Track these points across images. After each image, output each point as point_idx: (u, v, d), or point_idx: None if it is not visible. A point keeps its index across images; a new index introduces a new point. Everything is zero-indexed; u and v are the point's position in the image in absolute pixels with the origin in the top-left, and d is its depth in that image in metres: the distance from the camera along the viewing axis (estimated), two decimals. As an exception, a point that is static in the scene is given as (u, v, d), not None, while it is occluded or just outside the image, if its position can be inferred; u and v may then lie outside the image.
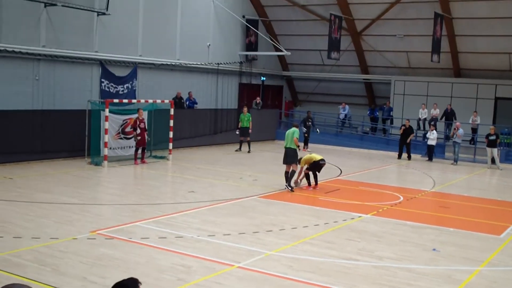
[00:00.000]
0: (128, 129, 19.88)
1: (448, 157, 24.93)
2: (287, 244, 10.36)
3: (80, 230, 10.62)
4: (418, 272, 9.12)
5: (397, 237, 11.36)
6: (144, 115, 19.85)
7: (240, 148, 24.66)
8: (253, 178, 17.72)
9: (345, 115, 30.99)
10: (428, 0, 26.76)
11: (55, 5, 19.76)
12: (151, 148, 20.99)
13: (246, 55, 30.61)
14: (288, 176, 15.75)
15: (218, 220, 12.00)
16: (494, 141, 23.24)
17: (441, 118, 27.56)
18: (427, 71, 29.86)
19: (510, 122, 26.96)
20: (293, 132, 15.91)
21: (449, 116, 27.38)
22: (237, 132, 24.89)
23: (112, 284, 3.78)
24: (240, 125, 24.70)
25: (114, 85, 21.93)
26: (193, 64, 26.76)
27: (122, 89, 22.28)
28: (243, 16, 30.00)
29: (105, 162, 18.38)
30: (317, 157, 16.25)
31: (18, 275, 7.95)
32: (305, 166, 16.30)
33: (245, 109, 24.99)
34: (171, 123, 20.80)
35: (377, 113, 30.84)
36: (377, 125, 30.74)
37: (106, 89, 21.64)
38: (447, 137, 26.29)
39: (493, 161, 23.42)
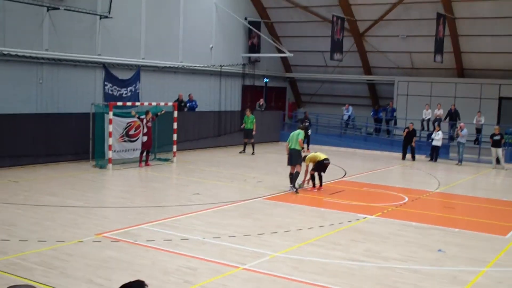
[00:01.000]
0: (132, 131, 19.90)
1: (452, 158, 24.88)
2: (292, 246, 10.36)
3: (86, 233, 10.64)
4: (424, 273, 9.11)
5: (403, 238, 11.35)
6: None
7: (244, 150, 24.68)
8: (257, 180, 17.72)
9: (349, 116, 30.98)
10: (431, 0, 26.75)
11: (58, 9, 19.84)
12: (156, 151, 21.02)
13: (249, 57, 30.64)
14: (293, 178, 15.75)
15: (223, 222, 12.01)
16: (498, 141, 23.20)
17: (445, 119, 27.52)
18: (430, 72, 29.83)
19: (515, 122, 26.93)
20: (298, 134, 15.93)
21: (453, 116, 27.35)
22: (242, 127, 24.80)
23: (118, 287, 3.78)
24: (244, 126, 24.73)
25: (117, 88, 21.94)
26: (196, 66, 26.80)
27: (126, 92, 22.28)
28: (245, 18, 30.04)
29: (110, 165, 18.40)
30: (321, 156, 16.25)
31: (25, 278, 7.97)
32: (310, 165, 16.29)
33: (249, 111, 25.01)
34: (175, 125, 20.82)
35: (381, 114, 30.81)
36: (381, 126, 30.72)
37: (110, 92, 21.65)
38: (451, 138, 26.26)
39: (498, 161, 23.38)
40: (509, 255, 10.51)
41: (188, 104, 25.83)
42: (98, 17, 21.62)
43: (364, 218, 12.95)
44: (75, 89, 21.12)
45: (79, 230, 10.87)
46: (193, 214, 12.65)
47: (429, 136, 26.33)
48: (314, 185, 16.30)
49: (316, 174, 16.29)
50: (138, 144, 19.79)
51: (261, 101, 29.72)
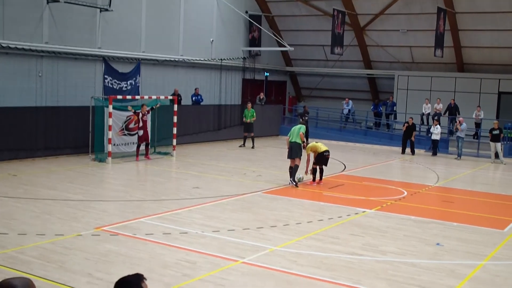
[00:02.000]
0: (132, 125, 19.90)
1: (451, 152, 24.90)
2: (291, 240, 10.38)
3: (85, 226, 10.66)
4: (422, 267, 9.14)
5: (401, 232, 11.37)
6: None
7: (244, 144, 24.69)
8: (257, 173, 17.74)
9: (349, 111, 30.97)
10: (431, -6, 26.72)
11: (57, 1, 19.78)
12: (155, 144, 21.03)
13: (249, 51, 30.59)
14: (293, 171, 15.77)
15: (223, 215, 12.03)
16: (497, 136, 23.21)
17: (444, 113, 27.52)
18: (431, 66, 29.81)
19: (514, 117, 26.92)
20: (300, 128, 16.01)
21: (452, 110, 27.34)
22: (249, 121, 24.70)
23: (116, 280, 3.79)
24: (244, 120, 24.72)
25: (117, 82, 21.97)
26: (196, 60, 26.76)
27: (126, 85, 22.31)
28: (246, 12, 29.96)
29: (109, 159, 18.40)
30: (322, 147, 16.20)
31: (23, 272, 7.99)
32: (311, 154, 16.27)
33: (249, 104, 25.01)
34: (175, 119, 20.81)
35: (381, 108, 30.81)
36: (381, 120, 30.71)
37: (110, 85, 21.68)
38: (451, 132, 26.27)
39: (496, 155, 23.39)
40: (507, 248, 10.54)
41: (193, 98, 25.87)
42: (98, 10, 21.56)
43: (363, 212, 12.97)
44: (74, 82, 21.10)
45: (78, 223, 10.89)
46: (192, 207, 12.67)
47: (429, 130, 26.33)
48: (314, 179, 16.31)
49: (318, 168, 16.28)
50: (137, 138, 19.76)
51: (261, 95, 29.71)
